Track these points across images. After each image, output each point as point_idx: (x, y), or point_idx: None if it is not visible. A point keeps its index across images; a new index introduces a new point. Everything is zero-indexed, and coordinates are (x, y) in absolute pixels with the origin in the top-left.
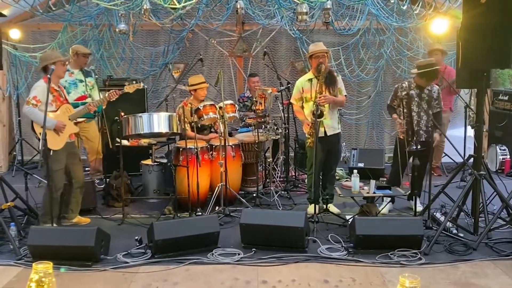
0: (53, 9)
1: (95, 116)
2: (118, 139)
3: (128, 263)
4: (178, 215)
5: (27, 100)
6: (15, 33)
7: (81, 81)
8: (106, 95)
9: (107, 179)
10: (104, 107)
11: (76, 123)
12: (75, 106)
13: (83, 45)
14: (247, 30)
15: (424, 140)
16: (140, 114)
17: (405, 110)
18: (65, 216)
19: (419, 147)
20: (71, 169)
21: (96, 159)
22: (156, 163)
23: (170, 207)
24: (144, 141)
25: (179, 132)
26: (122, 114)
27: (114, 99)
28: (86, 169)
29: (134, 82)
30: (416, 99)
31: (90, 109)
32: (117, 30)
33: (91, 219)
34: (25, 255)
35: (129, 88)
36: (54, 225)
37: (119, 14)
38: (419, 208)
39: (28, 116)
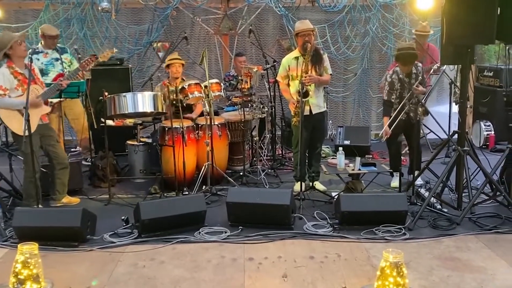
0: None
1: (79, 96)
2: (102, 119)
3: (114, 243)
4: (165, 194)
5: None
6: None
7: (57, 59)
8: (79, 65)
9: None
10: (87, 78)
11: (56, 103)
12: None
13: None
14: (232, 8)
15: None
16: (124, 94)
17: (398, 100)
18: (53, 198)
19: None
20: (49, 150)
21: (84, 137)
22: (141, 143)
23: (156, 186)
24: (129, 121)
25: (164, 111)
26: (106, 93)
27: (88, 68)
28: (72, 149)
29: (119, 61)
30: (407, 87)
31: (61, 85)
32: (99, 8)
33: None
34: (11, 237)
35: (103, 57)
36: (40, 206)
37: None
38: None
39: None
